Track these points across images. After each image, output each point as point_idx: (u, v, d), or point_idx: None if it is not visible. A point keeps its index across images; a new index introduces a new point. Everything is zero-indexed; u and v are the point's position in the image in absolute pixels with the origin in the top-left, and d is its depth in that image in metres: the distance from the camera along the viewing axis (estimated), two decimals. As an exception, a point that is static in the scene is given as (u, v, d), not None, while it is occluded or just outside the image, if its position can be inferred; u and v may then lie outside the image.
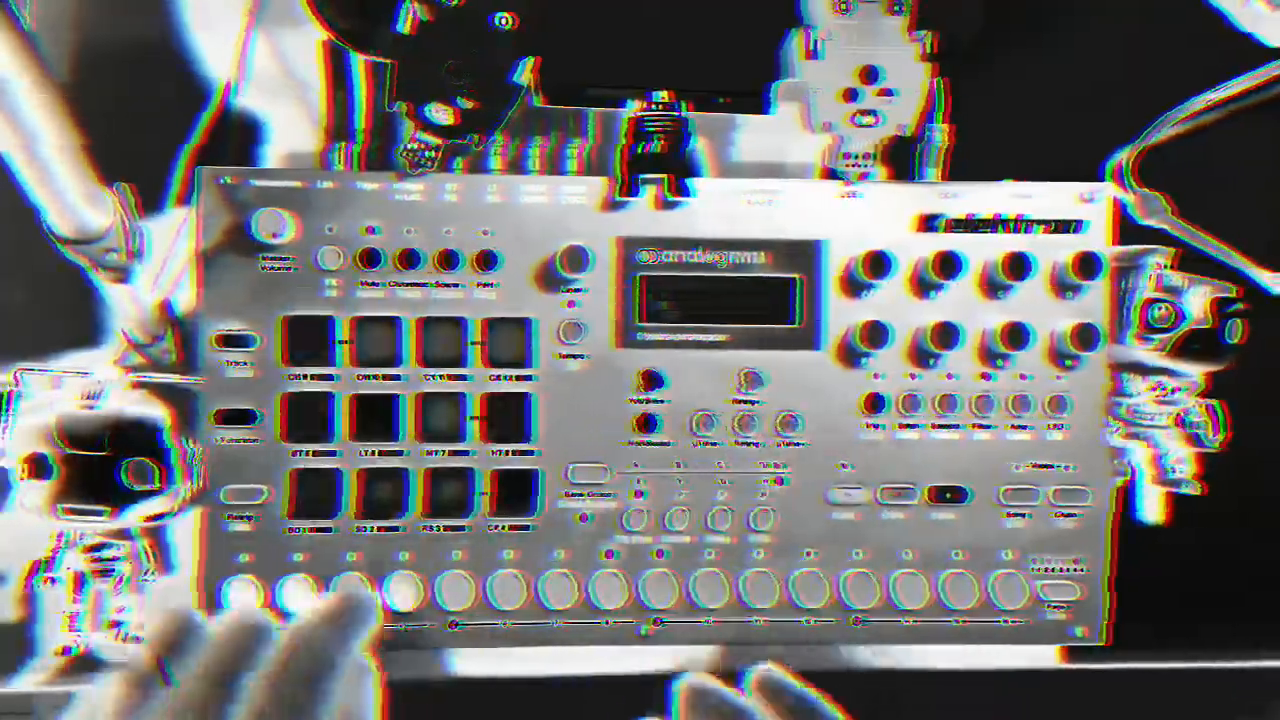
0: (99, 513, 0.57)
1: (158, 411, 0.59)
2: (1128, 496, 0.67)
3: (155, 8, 0.62)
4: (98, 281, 0.58)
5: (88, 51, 0.61)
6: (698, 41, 0.62)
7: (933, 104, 0.61)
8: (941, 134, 0.62)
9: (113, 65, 0.62)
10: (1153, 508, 0.67)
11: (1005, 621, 0.63)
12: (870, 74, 0.60)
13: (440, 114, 0.58)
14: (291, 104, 0.63)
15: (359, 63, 0.63)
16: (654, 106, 0.61)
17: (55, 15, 0.61)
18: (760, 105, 0.62)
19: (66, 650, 0.60)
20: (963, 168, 0.63)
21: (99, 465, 0.57)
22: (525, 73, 0.59)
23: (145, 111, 0.62)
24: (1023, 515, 0.63)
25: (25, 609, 0.60)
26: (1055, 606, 0.64)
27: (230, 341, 0.59)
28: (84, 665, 0.60)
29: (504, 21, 0.58)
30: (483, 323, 0.60)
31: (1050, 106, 0.67)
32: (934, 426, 0.63)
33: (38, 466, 0.57)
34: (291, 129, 0.63)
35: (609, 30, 0.62)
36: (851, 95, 0.61)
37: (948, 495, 0.63)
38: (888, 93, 0.61)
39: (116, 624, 0.60)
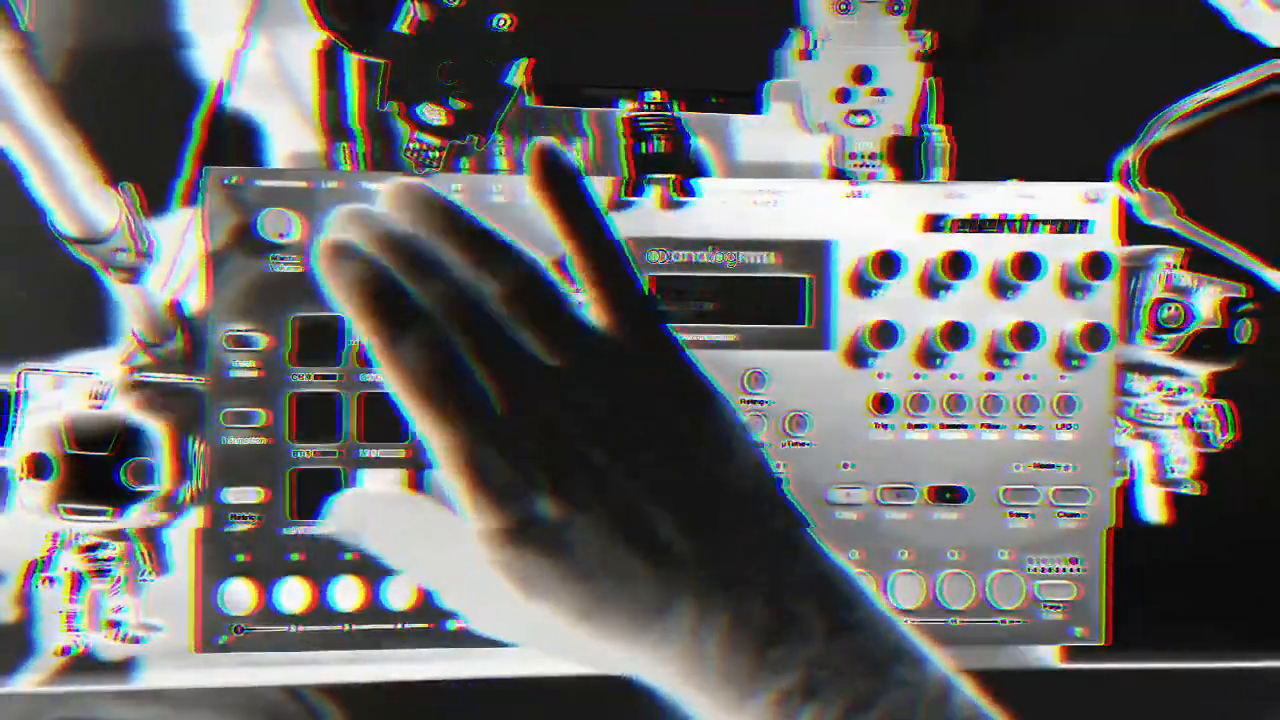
0: (101, 513, 0.57)
1: (160, 412, 0.58)
2: (1128, 496, 0.66)
3: (154, 8, 0.62)
4: (108, 282, 0.58)
5: (87, 52, 0.61)
6: (693, 42, 0.62)
7: (926, 103, 0.61)
8: (940, 134, 0.62)
9: (112, 65, 0.62)
10: (1153, 507, 0.67)
11: (1003, 621, 0.63)
12: (863, 74, 0.60)
13: (433, 114, 0.58)
14: (288, 104, 0.63)
15: (352, 63, 0.63)
16: (646, 106, 0.61)
17: (54, 16, 0.61)
18: (752, 105, 0.62)
19: (65, 650, 0.59)
20: (970, 167, 0.63)
21: (99, 465, 0.56)
22: (518, 74, 0.59)
23: (147, 111, 0.63)
24: (1024, 515, 0.63)
25: (23, 609, 0.60)
26: (1052, 606, 0.63)
27: (240, 342, 0.59)
28: (82, 665, 0.59)
29: (502, 23, 0.58)
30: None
31: (1054, 105, 0.67)
32: (942, 426, 0.62)
33: (37, 466, 0.56)
34: (290, 129, 0.63)
35: (603, 30, 0.62)
36: (844, 95, 0.61)
37: (947, 495, 0.62)
38: (880, 92, 0.61)
39: (115, 624, 0.59)
